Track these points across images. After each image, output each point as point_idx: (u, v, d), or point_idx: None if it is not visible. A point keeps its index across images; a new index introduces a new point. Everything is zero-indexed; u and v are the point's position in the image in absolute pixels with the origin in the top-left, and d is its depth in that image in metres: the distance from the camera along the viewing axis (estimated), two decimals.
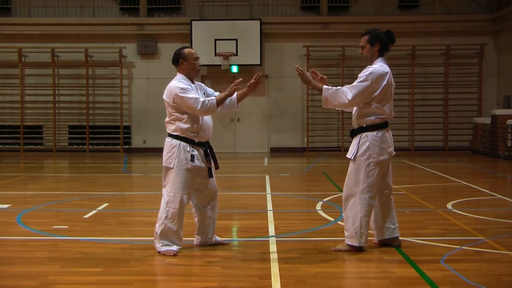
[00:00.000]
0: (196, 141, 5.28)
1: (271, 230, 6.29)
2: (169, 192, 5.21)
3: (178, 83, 5.22)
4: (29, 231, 6.30)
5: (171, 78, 5.42)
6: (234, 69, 17.18)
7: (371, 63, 5.38)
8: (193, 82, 5.36)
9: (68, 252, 5.36)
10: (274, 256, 5.18)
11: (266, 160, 15.56)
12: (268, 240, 5.79)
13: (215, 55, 16.94)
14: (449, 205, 7.77)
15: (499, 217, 7.04)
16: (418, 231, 6.21)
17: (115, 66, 17.80)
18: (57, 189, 10.14)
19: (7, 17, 18.08)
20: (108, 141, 17.89)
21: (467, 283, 4.39)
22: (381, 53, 5.41)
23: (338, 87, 5.35)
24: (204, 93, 5.43)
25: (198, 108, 5.12)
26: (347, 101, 5.24)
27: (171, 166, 5.19)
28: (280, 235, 6.05)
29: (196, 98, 5.13)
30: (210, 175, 5.39)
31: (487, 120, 16.27)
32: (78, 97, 17.92)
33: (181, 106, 5.17)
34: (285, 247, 5.50)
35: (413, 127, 17.61)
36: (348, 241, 5.28)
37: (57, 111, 17.84)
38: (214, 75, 17.71)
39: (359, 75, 5.33)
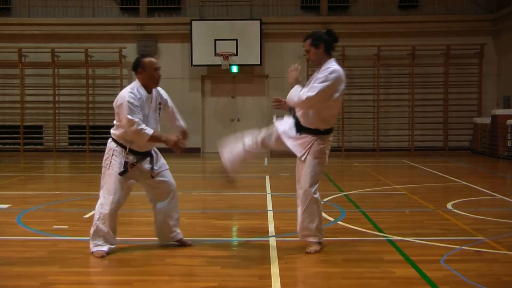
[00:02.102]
0: (128, 149, 5.21)
1: (271, 230, 6.29)
2: (105, 194, 5.23)
3: (129, 95, 5.09)
4: (29, 231, 6.30)
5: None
6: (234, 69, 17.19)
7: (320, 65, 5.30)
8: (149, 92, 5.26)
9: (68, 252, 5.36)
10: (274, 256, 5.18)
11: (266, 160, 15.56)
12: (268, 240, 5.79)
13: (215, 55, 16.95)
14: (449, 205, 7.77)
15: (499, 217, 7.03)
16: (418, 231, 6.21)
17: (115, 66, 17.81)
18: (57, 189, 10.14)
19: (7, 17, 18.10)
20: None
21: (467, 283, 4.39)
22: (327, 54, 5.29)
23: (303, 89, 5.24)
24: (159, 103, 5.36)
25: (131, 130, 5.04)
26: (304, 98, 5.10)
27: (107, 168, 5.22)
28: (280, 235, 6.05)
29: (134, 121, 5.00)
30: (122, 174, 5.20)
31: (487, 120, 16.27)
32: (78, 97, 17.93)
33: (119, 117, 5.14)
34: (285, 247, 5.50)
35: (413, 127, 17.61)
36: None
37: (57, 111, 17.85)
38: (214, 75, 17.72)
39: (317, 76, 5.22)
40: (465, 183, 10.25)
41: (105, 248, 5.23)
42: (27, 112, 18.05)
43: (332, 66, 5.22)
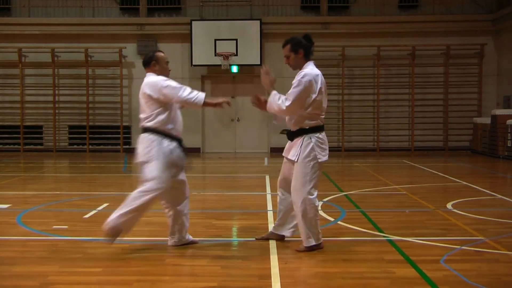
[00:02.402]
0: (174, 134, 5.33)
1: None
2: (151, 182, 5.16)
3: (158, 77, 5.35)
4: (29, 231, 6.30)
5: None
6: (234, 69, 17.18)
7: (300, 69, 5.42)
8: None
9: (68, 252, 5.36)
10: (274, 256, 5.18)
11: (266, 160, 15.56)
12: (268, 240, 5.79)
13: (215, 55, 16.95)
14: (449, 205, 7.77)
15: (499, 217, 7.03)
16: (418, 231, 6.21)
17: (115, 66, 17.81)
18: (57, 189, 10.14)
19: (7, 17, 18.10)
20: (108, 141, 17.89)
21: (467, 283, 4.39)
22: (306, 58, 5.42)
23: (281, 96, 5.32)
24: None
25: (185, 94, 5.18)
26: (284, 108, 5.23)
27: (152, 159, 5.19)
28: None
29: (182, 86, 5.24)
30: (185, 170, 5.44)
31: (487, 120, 16.28)
32: (78, 97, 17.93)
33: (167, 97, 5.21)
34: (285, 247, 5.50)
35: (413, 127, 17.62)
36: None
37: (57, 111, 17.85)
38: (214, 75, 17.72)
39: (292, 81, 5.33)
40: (465, 183, 10.25)
41: (124, 231, 5.22)
42: (27, 112, 18.05)
43: (305, 69, 5.34)
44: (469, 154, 16.99)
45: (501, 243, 5.62)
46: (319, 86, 5.28)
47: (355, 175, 11.93)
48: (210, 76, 17.79)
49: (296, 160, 5.29)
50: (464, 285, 4.36)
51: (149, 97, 5.27)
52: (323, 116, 5.40)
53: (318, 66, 5.57)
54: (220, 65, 16.87)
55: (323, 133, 5.40)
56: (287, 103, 5.20)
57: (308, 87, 5.22)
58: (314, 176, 5.28)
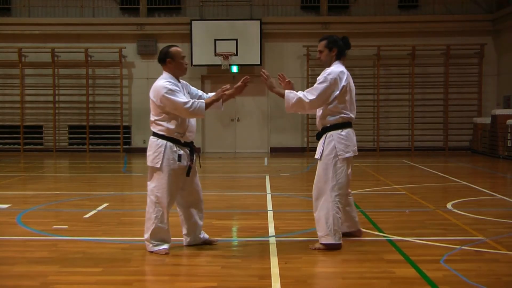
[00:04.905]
0: (182, 142, 5.27)
1: (271, 230, 6.29)
2: (157, 193, 5.20)
3: (165, 82, 5.18)
4: (29, 231, 6.30)
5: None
6: (234, 69, 17.18)
7: (329, 66, 5.56)
8: (179, 81, 5.36)
9: (68, 252, 5.36)
10: (274, 256, 5.18)
11: (266, 160, 15.56)
12: (268, 240, 5.79)
13: (215, 55, 16.95)
14: (449, 205, 7.77)
15: (499, 217, 7.03)
16: (418, 231, 6.21)
17: (115, 66, 17.81)
18: (57, 189, 10.14)
19: (7, 17, 18.09)
20: (108, 141, 17.89)
21: (467, 283, 4.39)
22: (338, 58, 5.62)
23: (299, 92, 5.43)
24: (188, 93, 5.44)
25: (187, 112, 5.11)
26: (307, 101, 5.32)
27: (158, 166, 5.18)
28: (280, 235, 6.05)
29: (184, 101, 5.11)
30: (188, 174, 5.31)
31: (487, 120, 16.28)
32: (78, 97, 17.93)
33: (167, 107, 5.14)
34: (285, 247, 5.50)
35: (413, 127, 17.61)
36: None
37: (57, 111, 17.85)
38: (214, 75, 17.72)
39: (318, 77, 5.47)
40: (465, 183, 10.25)
41: (166, 246, 5.26)
42: (27, 112, 18.05)
43: (331, 67, 5.50)
44: (469, 154, 16.99)
45: (501, 243, 5.62)
46: (343, 83, 5.41)
47: (355, 175, 11.84)
48: (210, 76, 17.79)
49: (319, 158, 5.41)
50: (464, 285, 4.36)
51: (153, 102, 5.21)
52: (348, 115, 5.43)
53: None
54: (220, 65, 16.88)
55: (347, 130, 5.43)
56: (311, 97, 5.32)
57: (332, 84, 5.36)
58: (337, 172, 5.33)
